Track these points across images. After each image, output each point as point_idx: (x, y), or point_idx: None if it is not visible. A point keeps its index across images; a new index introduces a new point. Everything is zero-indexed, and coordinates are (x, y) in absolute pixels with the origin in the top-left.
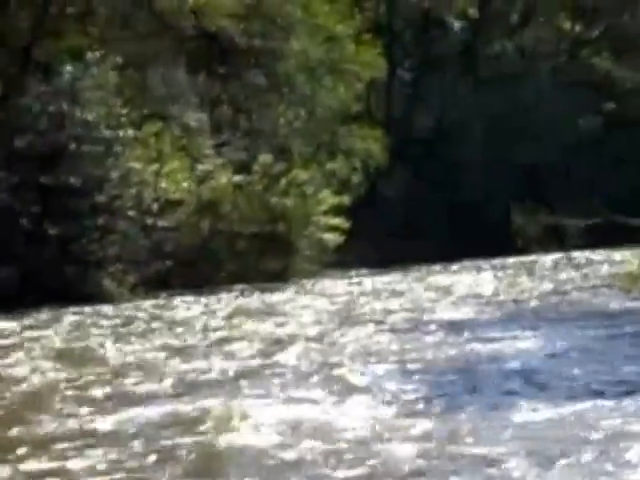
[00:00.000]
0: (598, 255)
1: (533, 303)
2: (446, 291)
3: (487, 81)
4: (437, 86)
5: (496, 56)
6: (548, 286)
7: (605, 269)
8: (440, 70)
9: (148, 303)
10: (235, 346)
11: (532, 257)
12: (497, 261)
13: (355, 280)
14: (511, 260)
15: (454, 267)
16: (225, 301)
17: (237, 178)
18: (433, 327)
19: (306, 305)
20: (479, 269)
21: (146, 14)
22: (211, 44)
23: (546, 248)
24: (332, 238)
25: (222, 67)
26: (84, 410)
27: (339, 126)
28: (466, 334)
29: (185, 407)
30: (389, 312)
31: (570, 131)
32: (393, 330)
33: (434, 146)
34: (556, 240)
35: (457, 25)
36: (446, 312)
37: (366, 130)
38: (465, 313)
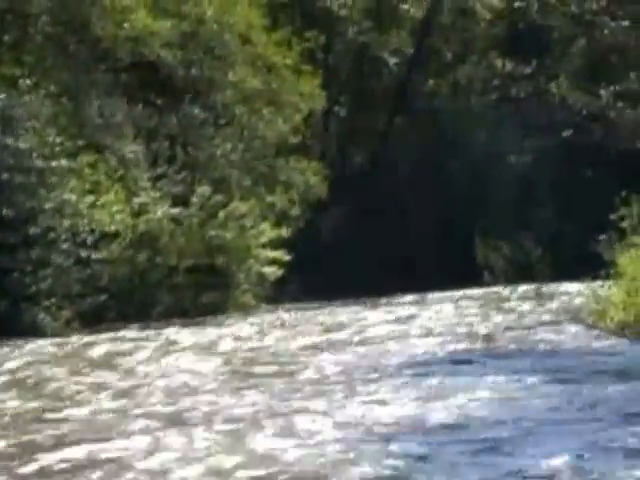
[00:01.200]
0: (563, 287)
1: (494, 339)
2: (403, 325)
3: (421, 117)
4: (372, 122)
5: (430, 93)
6: (511, 320)
7: (569, 303)
8: (375, 106)
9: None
10: None
11: (494, 289)
12: (451, 293)
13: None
14: (461, 293)
15: (405, 299)
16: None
17: (174, 211)
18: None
19: None
20: (437, 301)
21: (82, 42)
22: (148, 74)
23: (511, 281)
24: (271, 271)
25: (159, 98)
26: None
27: (278, 158)
28: (421, 371)
29: None
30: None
31: (503, 166)
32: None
33: (369, 181)
34: (521, 272)
35: (392, 61)
36: (402, 347)
37: (305, 163)
38: (424, 350)
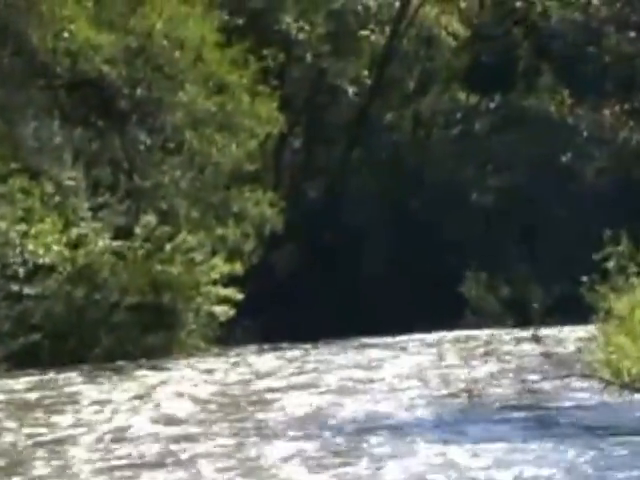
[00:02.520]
0: (565, 333)
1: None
2: (364, 373)
3: (381, 150)
4: (328, 154)
5: (391, 125)
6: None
7: (568, 349)
8: (332, 137)
9: None
10: None
11: (472, 332)
12: (422, 336)
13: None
14: (431, 336)
15: (368, 341)
16: None
17: (116, 243)
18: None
19: None
20: (400, 346)
21: (17, 55)
22: (89, 93)
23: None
24: (222, 311)
25: (101, 119)
26: None
27: (230, 187)
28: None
29: None
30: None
31: (465, 202)
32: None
33: (325, 215)
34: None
35: (351, 90)
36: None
37: (259, 193)
38: (386, 404)
